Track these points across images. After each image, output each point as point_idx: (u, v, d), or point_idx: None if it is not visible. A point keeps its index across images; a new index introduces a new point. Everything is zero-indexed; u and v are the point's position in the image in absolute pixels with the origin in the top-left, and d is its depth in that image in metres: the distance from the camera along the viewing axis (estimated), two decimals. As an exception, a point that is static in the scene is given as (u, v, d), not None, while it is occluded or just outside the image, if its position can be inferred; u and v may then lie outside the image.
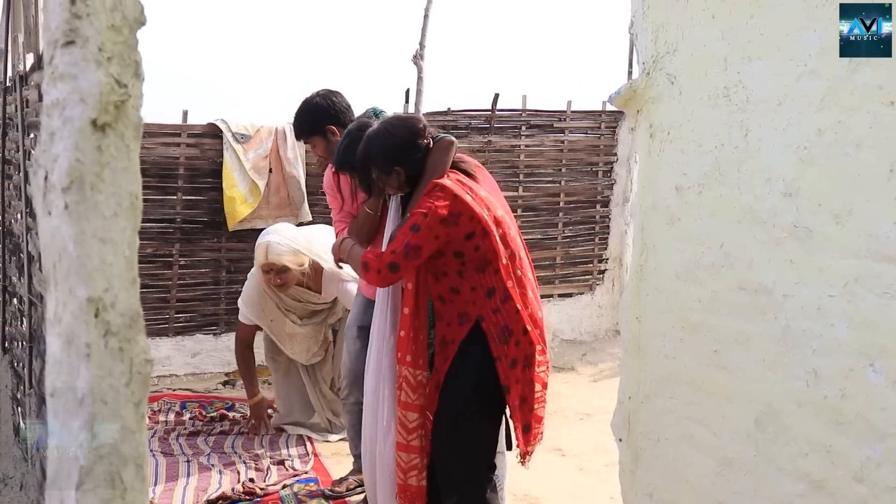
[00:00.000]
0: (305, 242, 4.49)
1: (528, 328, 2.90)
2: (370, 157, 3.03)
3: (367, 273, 2.93)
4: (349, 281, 4.38)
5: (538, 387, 2.98)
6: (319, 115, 3.88)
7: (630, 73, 7.26)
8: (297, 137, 4.10)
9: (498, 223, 2.91)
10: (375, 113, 3.86)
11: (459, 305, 2.93)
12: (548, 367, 3.04)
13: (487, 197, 2.94)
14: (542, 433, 3.10)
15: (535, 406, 2.99)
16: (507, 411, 3.05)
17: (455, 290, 2.93)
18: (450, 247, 2.88)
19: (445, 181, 2.91)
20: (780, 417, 1.98)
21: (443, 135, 3.07)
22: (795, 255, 1.92)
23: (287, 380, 4.92)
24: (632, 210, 2.54)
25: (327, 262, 4.34)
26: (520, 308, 2.89)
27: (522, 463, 3.07)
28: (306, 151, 5.75)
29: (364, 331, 3.94)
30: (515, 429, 2.95)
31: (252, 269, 4.69)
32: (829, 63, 1.82)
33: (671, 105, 2.31)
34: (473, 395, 2.95)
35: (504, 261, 2.89)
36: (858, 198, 1.76)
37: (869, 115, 1.73)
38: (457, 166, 3.03)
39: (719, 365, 2.16)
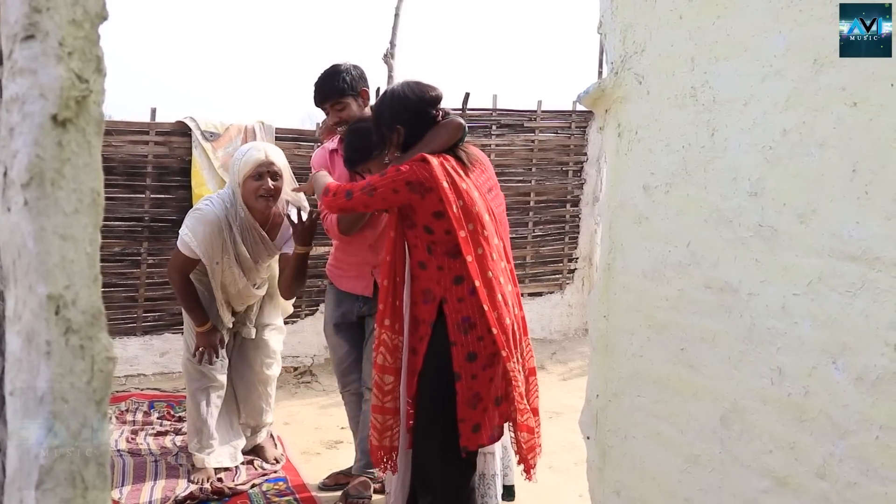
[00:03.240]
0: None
1: (494, 330, 2.86)
2: (381, 112, 3.10)
3: (325, 196, 3.08)
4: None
5: (516, 396, 2.92)
6: (358, 77, 3.91)
7: (600, 73, 7.30)
8: (327, 98, 3.92)
9: (471, 219, 2.88)
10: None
11: (423, 282, 2.96)
12: (516, 372, 2.94)
13: (468, 191, 2.90)
14: (540, 446, 3.11)
15: (524, 416, 2.98)
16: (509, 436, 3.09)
17: (422, 264, 2.97)
18: (418, 217, 2.91)
19: (432, 158, 2.91)
20: (744, 415, 2.00)
21: (455, 116, 3.08)
22: (761, 254, 1.94)
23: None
24: (600, 209, 2.55)
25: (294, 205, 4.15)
26: (486, 308, 2.85)
27: (528, 478, 3.10)
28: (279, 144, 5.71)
29: (339, 327, 4.04)
30: (461, 422, 2.89)
31: (209, 197, 4.15)
32: (794, 64, 1.84)
33: (639, 105, 2.33)
34: (441, 375, 2.93)
35: (470, 258, 2.85)
36: (822, 197, 1.78)
37: (833, 115, 1.75)
38: (454, 153, 3.01)
39: (686, 363, 2.18)
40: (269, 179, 3.91)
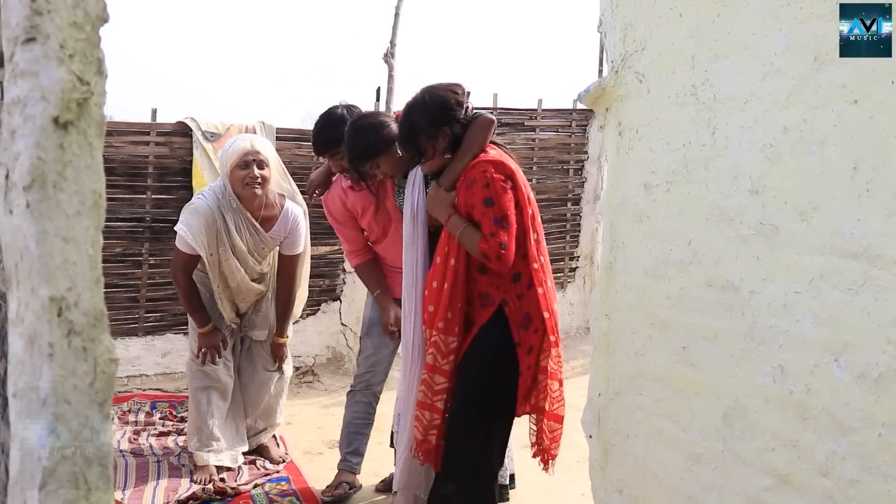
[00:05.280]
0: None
1: (546, 315, 2.98)
2: (415, 124, 3.03)
3: (492, 262, 2.91)
4: (301, 219, 4.21)
5: (555, 385, 3.06)
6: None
7: (600, 71, 7.29)
8: (327, 149, 3.79)
9: (530, 202, 3.01)
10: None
11: (482, 286, 2.99)
12: (559, 359, 3.09)
13: (521, 175, 3.03)
14: (561, 434, 3.20)
15: (555, 406, 3.08)
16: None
17: (482, 269, 2.97)
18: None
19: (490, 153, 2.99)
20: (747, 413, 2.00)
21: (482, 112, 3.10)
22: (762, 252, 1.94)
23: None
24: (601, 208, 2.55)
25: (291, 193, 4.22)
26: (541, 293, 2.96)
27: (545, 469, 3.22)
28: (277, 149, 5.71)
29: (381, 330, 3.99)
30: (521, 405, 3.03)
31: (202, 191, 4.19)
32: (795, 61, 1.84)
33: (639, 103, 2.33)
34: (491, 381, 3.02)
35: (532, 241, 2.97)
36: (823, 195, 1.78)
37: (833, 113, 1.75)
38: (495, 143, 3.10)
39: (687, 361, 2.18)
40: (255, 168, 3.92)
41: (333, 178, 3.95)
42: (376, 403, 4.07)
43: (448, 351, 3.01)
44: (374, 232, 3.90)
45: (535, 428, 3.13)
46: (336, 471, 4.05)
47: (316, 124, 3.89)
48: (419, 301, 3.20)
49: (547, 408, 3.05)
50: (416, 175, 3.29)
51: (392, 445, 3.95)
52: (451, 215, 3.00)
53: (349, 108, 3.85)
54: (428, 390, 3.05)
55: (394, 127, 3.42)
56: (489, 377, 3.00)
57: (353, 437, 4.08)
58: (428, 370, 3.06)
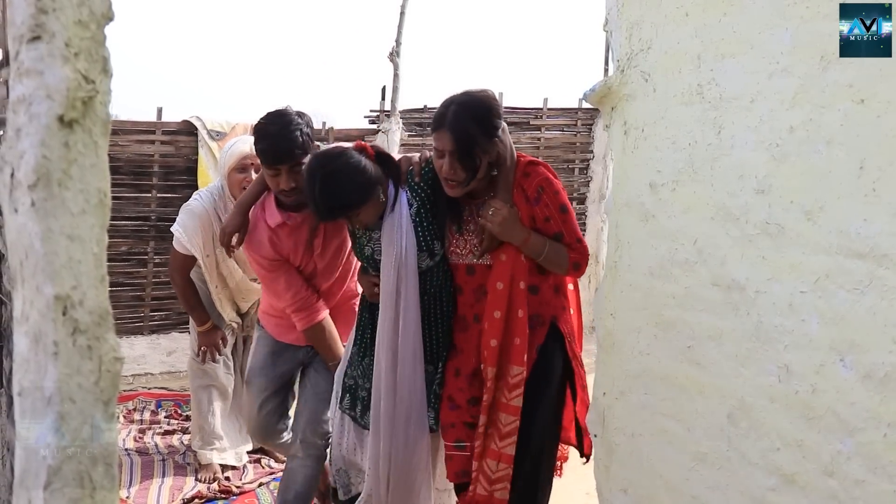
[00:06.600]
0: None
1: (572, 310, 2.94)
2: (472, 134, 2.65)
3: (579, 271, 2.79)
4: None
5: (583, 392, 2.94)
6: (310, 127, 3.21)
7: (606, 70, 7.29)
8: (282, 160, 3.13)
9: None
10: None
11: (533, 307, 2.80)
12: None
13: None
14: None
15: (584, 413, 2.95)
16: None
17: (534, 288, 2.79)
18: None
19: (534, 158, 2.86)
20: (752, 412, 2.00)
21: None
22: (768, 252, 1.93)
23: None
24: (606, 207, 2.54)
25: None
26: (572, 301, 2.92)
27: (559, 474, 3.13)
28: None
29: (272, 380, 3.49)
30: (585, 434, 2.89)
31: (199, 191, 4.14)
32: (801, 61, 1.83)
33: (645, 102, 2.32)
34: (557, 401, 2.88)
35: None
36: (829, 195, 1.78)
37: (840, 112, 1.75)
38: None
39: (693, 361, 2.17)
40: (252, 172, 3.88)
41: (252, 215, 3.32)
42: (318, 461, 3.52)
43: (515, 383, 2.74)
44: (296, 262, 3.32)
45: None
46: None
47: (267, 129, 3.18)
48: (414, 355, 2.86)
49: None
50: (401, 217, 2.86)
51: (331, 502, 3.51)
52: (530, 234, 2.73)
53: (300, 113, 3.29)
54: (495, 433, 2.75)
55: (370, 167, 2.86)
56: (562, 401, 2.86)
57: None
58: (487, 412, 2.76)
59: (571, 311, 2.94)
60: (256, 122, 3.24)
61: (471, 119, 2.66)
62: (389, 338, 2.88)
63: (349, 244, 3.31)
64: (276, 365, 3.52)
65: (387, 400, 2.87)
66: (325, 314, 3.35)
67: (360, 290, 3.27)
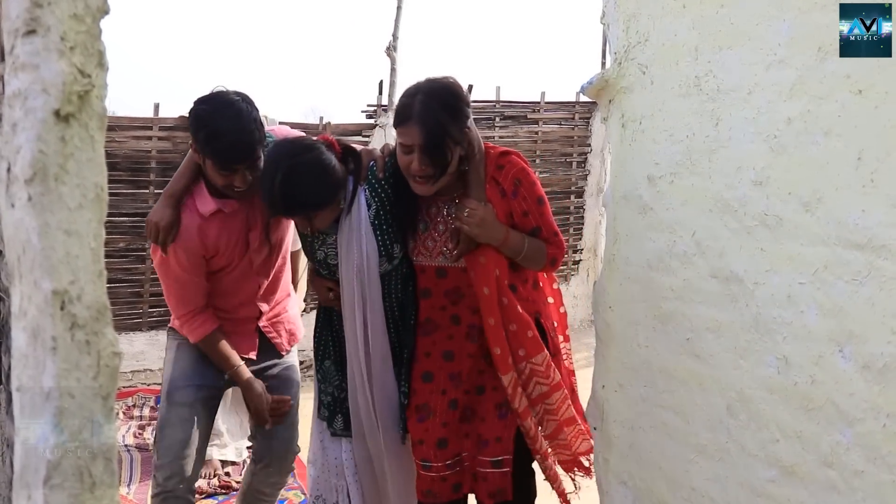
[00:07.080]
0: None
1: (562, 310, 2.88)
2: (442, 123, 2.45)
3: (555, 266, 2.68)
4: None
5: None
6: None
7: (603, 63, 7.29)
8: (243, 159, 2.66)
9: None
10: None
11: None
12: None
13: None
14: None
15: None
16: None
17: (513, 287, 2.64)
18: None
19: (506, 148, 2.69)
20: (751, 404, 2.00)
21: None
22: (766, 244, 1.93)
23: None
24: (605, 200, 2.54)
25: None
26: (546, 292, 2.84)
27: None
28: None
29: (201, 389, 3.01)
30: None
31: None
32: (799, 52, 1.83)
33: (643, 95, 2.32)
34: None
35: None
36: (827, 186, 1.78)
37: (837, 103, 1.74)
38: None
39: (692, 353, 2.18)
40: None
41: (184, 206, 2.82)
42: None
43: (546, 366, 2.65)
44: (225, 258, 2.89)
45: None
46: None
47: (218, 126, 2.63)
48: (384, 362, 2.72)
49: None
50: (359, 220, 2.63)
51: None
52: (508, 231, 2.56)
53: (246, 98, 2.72)
54: (571, 394, 2.77)
55: (338, 167, 2.58)
56: None
57: None
58: (527, 415, 2.67)
59: (550, 300, 2.87)
60: (195, 113, 2.69)
61: (440, 108, 2.45)
62: (359, 348, 2.70)
63: (290, 238, 3.12)
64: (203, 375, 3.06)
65: (364, 409, 2.74)
66: (212, 329, 2.95)
67: (293, 292, 3.17)
